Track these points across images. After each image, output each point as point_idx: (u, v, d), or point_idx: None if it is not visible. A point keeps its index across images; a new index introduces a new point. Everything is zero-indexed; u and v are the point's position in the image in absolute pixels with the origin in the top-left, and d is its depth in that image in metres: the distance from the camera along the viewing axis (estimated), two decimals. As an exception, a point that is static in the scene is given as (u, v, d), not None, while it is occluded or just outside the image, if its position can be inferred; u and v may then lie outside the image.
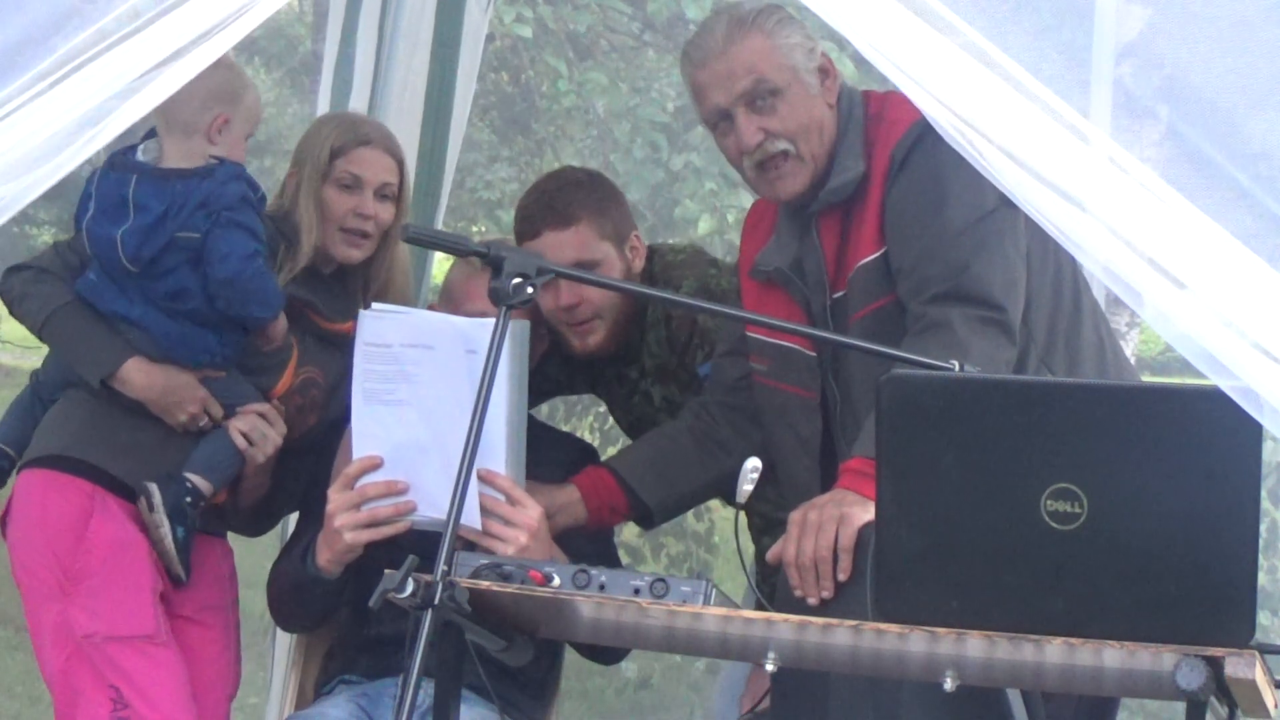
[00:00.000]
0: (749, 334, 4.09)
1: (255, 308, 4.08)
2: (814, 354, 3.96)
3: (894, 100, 3.92)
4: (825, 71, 3.90)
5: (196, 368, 4.13)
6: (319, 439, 4.26)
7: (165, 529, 4.06)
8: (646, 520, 4.32)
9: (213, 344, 4.12)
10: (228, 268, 4.02)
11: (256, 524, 4.46)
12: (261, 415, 4.16)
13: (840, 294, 3.89)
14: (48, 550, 4.06)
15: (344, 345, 4.21)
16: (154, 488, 4.06)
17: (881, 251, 3.83)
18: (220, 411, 4.14)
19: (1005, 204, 3.62)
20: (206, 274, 4.04)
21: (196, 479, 4.11)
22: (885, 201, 3.83)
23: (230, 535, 4.43)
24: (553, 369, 4.50)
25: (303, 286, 4.22)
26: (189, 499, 4.08)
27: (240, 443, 4.14)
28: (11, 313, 4.26)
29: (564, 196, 4.28)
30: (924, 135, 3.76)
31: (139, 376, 4.09)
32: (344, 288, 4.31)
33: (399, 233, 4.20)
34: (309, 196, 4.19)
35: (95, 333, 4.10)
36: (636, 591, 3.30)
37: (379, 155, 4.28)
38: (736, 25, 3.90)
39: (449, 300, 4.26)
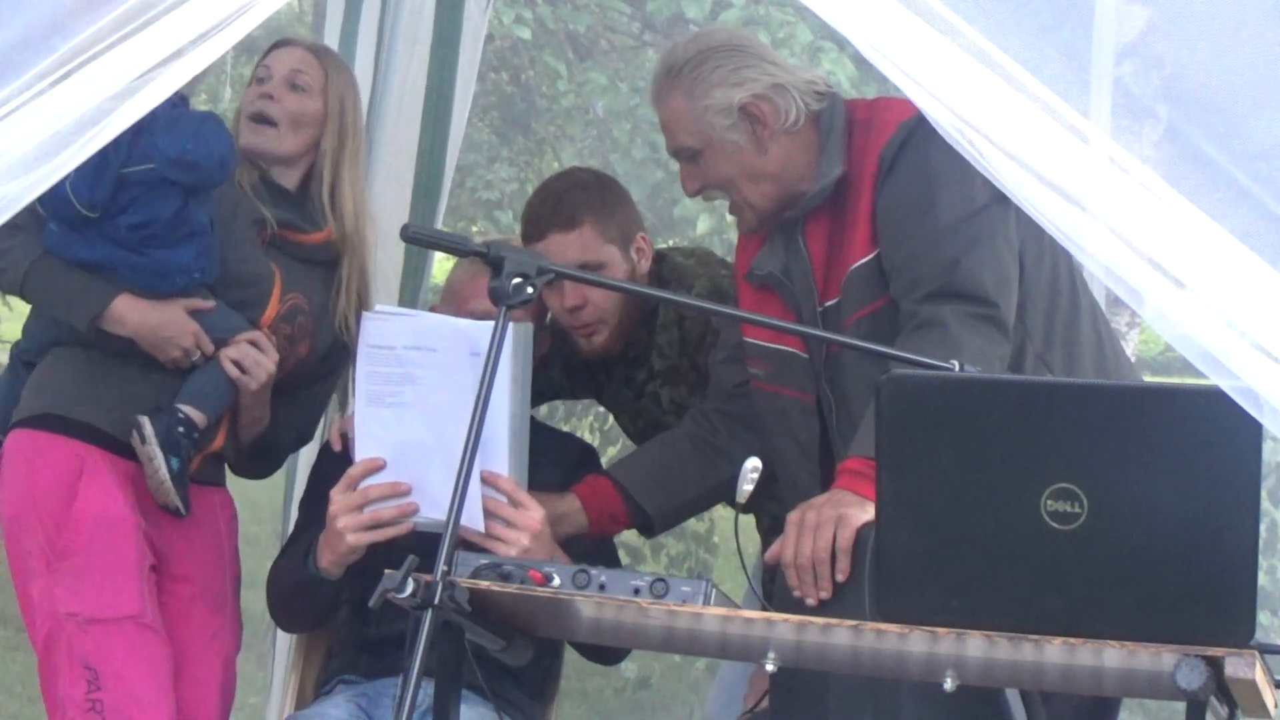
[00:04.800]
0: (746, 339, 4.09)
1: (214, 148, 4.04)
2: (807, 356, 3.96)
3: (881, 105, 3.94)
4: (756, 118, 3.88)
5: (178, 293, 4.08)
6: (315, 370, 4.25)
7: (159, 460, 4.00)
8: (647, 529, 4.32)
9: (187, 261, 4.07)
10: (187, 142, 4.00)
11: (259, 464, 4.41)
12: (253, 343, 4.12)
13: (833, 301, 3.89)
14: (35, 523, 4.02)
15: (324, 263, 4.24)
16: (145, 420, 4.00)
17: (874, 254, 3.83)
18: (211, 347, 4.09)
19: (995, 201, 3.63)
20: (162, 154, 3.99)
21: (189, 409, 4.05)
22: (876, 203, 3.83)
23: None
24: (556, 374, 4.50)
25: (273, 206, 4.19)
26: (181, 429, 4.04)
27: (233, 371, 4.09)
28: None
29: (569, 198, 4.29)
30: (912, 135, 3.77)
31: (131, 313, 4.05)
32: (308, 199, 4.27)
33: (344, 155, 4.22)
34: (236, 108, 4.20)
35: (78, 276, 4.05)
36: (636, 591, 3.30)
37: (293, 50, 4.28)
38: (664, 78, 3.95)
39: (452, 300, 4.26)
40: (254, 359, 4.11)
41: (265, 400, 4.19)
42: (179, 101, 4.07)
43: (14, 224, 4.02)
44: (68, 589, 4.00)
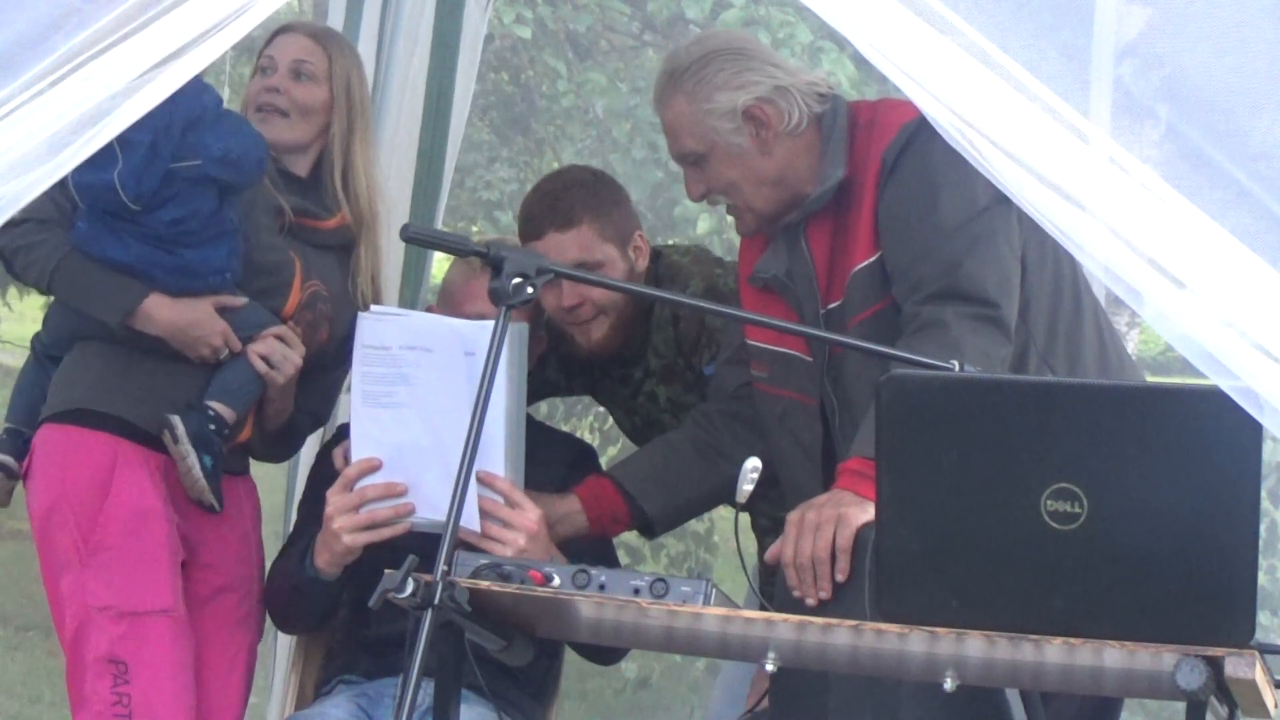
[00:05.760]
0: (749, 341, 4.09)
1: (255, 149, 4.09)
2: (811, 359, 3.96)
3: (883, 106, 3.94)
4: (759, 120, 3.88)
5: (210, 291, 4.09)
6: (333, 355, 4.26)
7: (192, 459, 4.02)
8: (648, 530, 4.32)
9: (220, 260, 4.09)
10: (232, 142, 4.04)
11: (280, 449, 4.44)
12: (279, 338, 4.14)
13: (836, 303, 3.89)
14: (68, 517, 4.02)
15: (338, 248, 4.27)
16: (176, 419, 4.02)
17: (877, 256, 3.83)
18: (239, 344, 4.11)
19: (997, 202, 3.63)
20: (209, 151, 4.02)
21: (218, 406, 4.07)
22: (878, 205, 3.83)
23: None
24: (551, 371, 4.50)
25: (288, 194, 4.21)
26: (213, 427, 4.05)
27: (260, 366, 4.11)
28: (10, 269, 4.18)
29: (566, 197, 4.28)
30: (914, 137, 3.77)
31: (162, 311, 4.05)
32: (321, 185, 4.29)
33: (351, 147, 4.25)
34: (241, 97, 4.22)
35: (109, 273, 4.05)
36: (636, 591, 3.30)
37: (293, 37, 4.28)
38: (666, 83, 3.95)
39: (448, 301, 4.26)
40: (281, 354, 4.13)
41: (291, 392, 4.21)
42: (220, 101, 4.10)
43: (41, 219, 4.04)
44: (101, 582, 4.01)
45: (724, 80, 3.89)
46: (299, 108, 4.23)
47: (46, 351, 4.22)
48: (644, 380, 4.42)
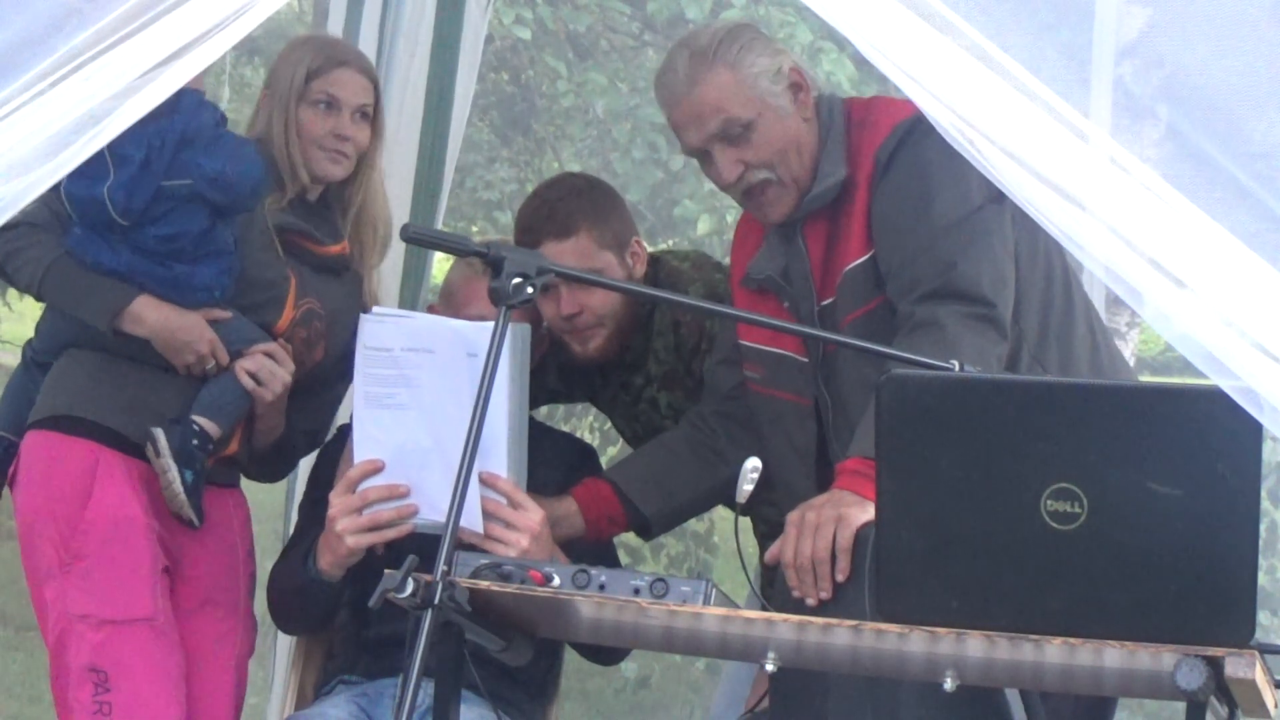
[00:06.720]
0: (742, 342, 4.08)
1: (250, 173, 4.07)
2: (806, 359, 3.96)
3: (878, 104, 3.93)
4: (797, 86, 3.87)
5: (198, 307, 4.08)
6: (329, 374, 4.26)
7: (173, 474, 4.01)
8: (645, 531, 4.31)
9: (209, 278, 4.08)
10: (227, 164, 4.02)
11: (273, 468, 4.42)
12: (269, 354, 4.12)
13: (829, 301, 3.89)
14: (50, 525, 4.02)
15: (339, 271, 4.26)
16: (159, 432, 4.01)
17: (870, 255, 3.83)
18: (227, 358, 4.09)
19: (991, 201, 3.63)
20: (201, 171, 4.01)
21: (203, 421, 4.06)
22: (871, 204, 3.82)
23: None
24: (550, 378, 4.49)
25: (292, 215, 4.20)
26: (196, 442, 4.04)
27: (248, 383, 4.09)
28: (2, 273, 4.17)
29: (564, 206, 4.26)
30: (908, 136, 3.76)
31: (150, 313, 4.04)
32: (330, 211, 4.29)
33: (373, 164, 4.26)
34: (282, 119, 4.19)
35: (99, 277, 4.04)
36: (636, 591, 3.30)
37: (355, 76, 4.25)
38: (698, 61, 3.85)
39: (449, 302, 4.26)
40: (270, 370, 4.11)
41: (281, 409, 4.20)
42: (221, 120, 4.09)
43: (33, 223, 4.03)
44: (81, 590, 4.01)
45: (760, 47, 3.87)
46: (357, 151, 4.24)
47: (37, 358, 4.22)
48: (645, 387, 4.41)
